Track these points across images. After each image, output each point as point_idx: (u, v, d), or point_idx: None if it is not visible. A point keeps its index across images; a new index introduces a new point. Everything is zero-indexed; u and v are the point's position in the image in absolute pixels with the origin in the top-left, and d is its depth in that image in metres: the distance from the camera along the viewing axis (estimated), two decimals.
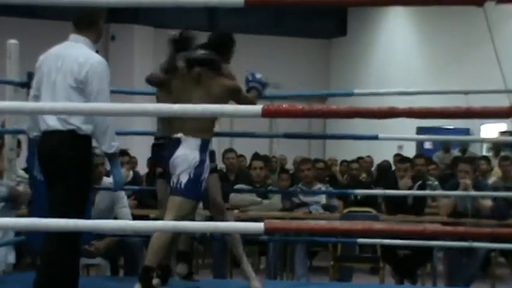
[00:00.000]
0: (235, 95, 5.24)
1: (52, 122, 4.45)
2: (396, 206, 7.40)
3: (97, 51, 4.67)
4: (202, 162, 5.02)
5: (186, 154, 5.00)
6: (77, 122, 4.44)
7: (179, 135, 5.02)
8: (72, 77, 4.48)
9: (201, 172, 5.00)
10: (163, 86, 5.30)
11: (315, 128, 17.68)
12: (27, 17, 16.32)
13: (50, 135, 4.46)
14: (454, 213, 7.20)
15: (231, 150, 9.38)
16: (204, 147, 5.07)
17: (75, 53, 4.54)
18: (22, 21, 15.72)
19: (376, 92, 7.19)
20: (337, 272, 7.29)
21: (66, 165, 4.43)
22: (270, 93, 6.56)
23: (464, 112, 2.64)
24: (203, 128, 5.08)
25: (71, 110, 3.33)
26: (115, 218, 6.11)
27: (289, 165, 13.02)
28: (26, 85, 5.53)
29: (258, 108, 2.96)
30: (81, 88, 4.48)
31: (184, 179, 4.97)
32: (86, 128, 4.47)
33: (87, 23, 4.62)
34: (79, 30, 4.63)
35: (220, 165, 10.49)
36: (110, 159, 4.66)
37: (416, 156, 9.04)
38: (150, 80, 5.41)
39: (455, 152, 11.75)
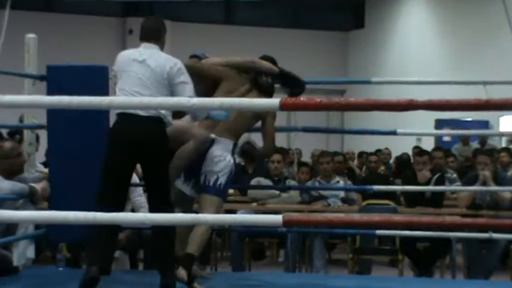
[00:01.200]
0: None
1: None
2: (415, 198, 7.37)
3: None
4: (234, 165, 5.17)
5: (224, 156, 5.10)
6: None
7: (212, 135, 5.06)
8: (158, 73, 4.71)
9: (233, 176, 5.17)
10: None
11: (333, 120, 17.64)
12: (44, 10, 16.42)
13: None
14: (473, 206, 7.17)
15: (249, 143, 9.37)
16: (234, 151, 5.20)
17: (155, 53, 4.82)
18: (40, 15, 15.81)
19: (394, 80, 7.15)
20: (356, 264, 7.29)
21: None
22: None
23: (484, 104, 2.62)
24: (236, 131, 5.19)
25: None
26: (131, 208, 6.12)
27: (305, 158, 13.01)
28: (44, 78, 5.57)
29: (276, 101, 2.96)
30: (166, 83, 4.72)
31: (223, 180, 5.07)
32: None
33: (156, 35, 4.90)
34: (149, 41, 4.88)
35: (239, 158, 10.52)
36: None
37: (434, 149, 9.00)
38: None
39: (475, 144, 11.69)
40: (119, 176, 4.73)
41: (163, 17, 5.10)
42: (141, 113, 4.62)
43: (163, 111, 4.67)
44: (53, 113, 5.36)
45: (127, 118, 4.63)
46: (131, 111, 4.61)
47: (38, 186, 5.31)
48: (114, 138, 4.71)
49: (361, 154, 11.86)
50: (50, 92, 5.33)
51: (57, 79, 5.37)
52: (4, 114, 7.66)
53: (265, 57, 5.57)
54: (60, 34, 15.60)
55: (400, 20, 17.47)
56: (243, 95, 5.18)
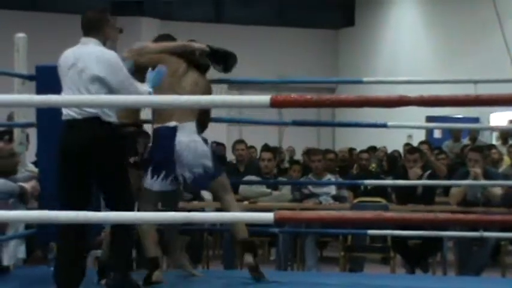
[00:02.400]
0: None
1: None
2: (406, 195, 7.39)
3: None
4: (206, 141, 5.16)
5: (193, 138, 5.08)
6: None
7: (173, 123, 5.03)
8: (90, 72, 4.58)
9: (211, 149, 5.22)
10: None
11: (324, 119, 17.68)
12: (33, 9, 16.37)
13: None
14: (464, 202, 7.19)
15: (241, 141, 9.39)
16: (198, 129, 5.16)
17: (89, 50, 4.67)
18: (28, 14, 15.75)
19: (385, 80, 7.16)
20: (348, 262, 7.31)
21: None
22: (279, 81, 6.50)
23: (474, 100, 2.63)
24: (192, 110, 5.11)
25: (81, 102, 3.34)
26: None
27: (298, 156, 13.04)
28: (33, 78, 5.55)
29: (266, 98, 2.96)
30: (100, 81, 4.58)
31: (210, 163, 5.08)
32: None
33: (94, 28, 4.75)
34: (87, 35, 4.76)
35: (230, 156, 10.53)
36: None
37: (420, 143, 9.06)
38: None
39: (465, 141, 11.73)
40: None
41: (152, 15, 5.07)
42: (76, 115, 4.52)
43: (101, 110, 4.53)
44: (42, 112, 5.35)
45: (66, 124, 4.57)
46: (68, 117, 4.54)
47: (28, 186, 5.30)
48: (59, 149, 4.64)
49: (350, 150, 11.84)
50: (39, 91, 5.32)
51: (45, 79, 5.36)
52: None
53: (164, 36, 5.53)
54: (49, 33, 15.53)
55: (391, 18, 17.50)
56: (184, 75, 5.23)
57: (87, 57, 4.61)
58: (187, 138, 5.05)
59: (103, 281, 4.92)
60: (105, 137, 4.56)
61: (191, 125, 5.10)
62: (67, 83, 4.62)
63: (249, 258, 5.12)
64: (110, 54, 4.66)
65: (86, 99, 3.31)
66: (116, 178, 4.64)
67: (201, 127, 5.34)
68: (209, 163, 5.09)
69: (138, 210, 5.02)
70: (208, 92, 5.39)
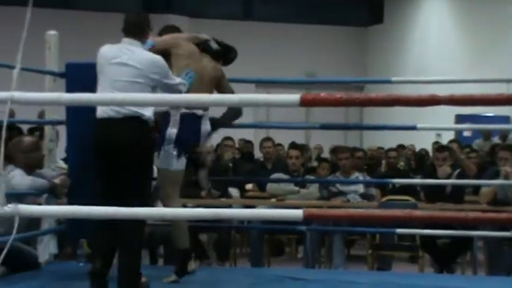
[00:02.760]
0: None
1: None
2: (435, 194, 7.34)
3: None
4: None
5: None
6: None
7: (200, 112, 5.15)
8: (134, 72, 4.66)
9: None
10: None
11: (351, 116, 17.62)
12: (65, 8, 16.50)
13: None
14: (494, 202, 7.13)
15: (268, 139, 9.39)
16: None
17: (136, 51, 4.76)
18: (60, 12, 15.89)
19: (415, 79, 7.09)
20: (376, 260, 7.28)
21: None
22: (306, 80, 6.51)
23: (506, 99, 2.61)
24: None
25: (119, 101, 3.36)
26: None
27: (326, 154, 13.00)
28: (64, 76, 5.60)
29: (296, 97, 2.95)
30: (143, 82, 4.68)
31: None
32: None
33: (137, 30, 4.84)
34: (129, 36, 4.83)
35: (258, 154, 10.54)
36: None
37: (450, 141, 8.99)
38: None
39: (496, 140, 11.62)
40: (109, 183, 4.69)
41: (181, 13, 5.11)
42: (115, 114, 4.58)
43: (141, 110, 4.61)
44: (72, 110, 5.39)
45: (103, 123, 4.62)
46: (105, 115, 4.60)
47: (57, 180, 5.34)
48: (94, 146, 4.71)
49: (379, 149, 11.81)
50: (69, 89, 5.36)
51: (76, 76, 5.39)
52: (23, 110, 7.69)
53: (169, 27, 5.63)
54: (80, 31, 15.67)
55: (420, 15, 17.38)
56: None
57: (134, 57, 4.71)
58: (208, 127, 5.26)
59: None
60: (142, 136, 4.64)
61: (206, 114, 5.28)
62: (108, 76, 4.68)
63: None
64: (159, 58, 4.80)
65: (117, 97, 3.33)
66: (144, 178, 4.71)
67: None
68: None
69: (166, 193, 5.10)
70: (216, 81, 5.44)
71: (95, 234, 4.76)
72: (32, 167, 5.32)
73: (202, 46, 5.44)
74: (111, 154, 4.60)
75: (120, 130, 4.59)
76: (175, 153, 5.15)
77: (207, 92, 5.21)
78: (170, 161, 5.14)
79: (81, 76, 5.28)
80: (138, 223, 4.55)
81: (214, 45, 5.48)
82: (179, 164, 5.17)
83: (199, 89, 5.06)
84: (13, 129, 9.09)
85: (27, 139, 5.37)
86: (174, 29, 5.57)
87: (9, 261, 4.54)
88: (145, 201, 4.56)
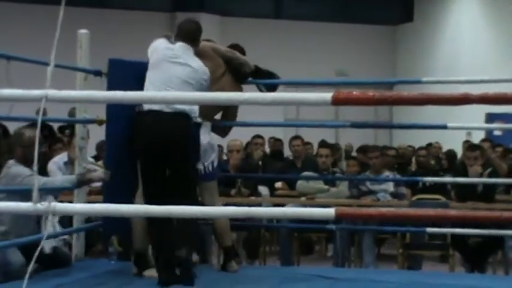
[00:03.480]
0: None
1: None
2: (466, 193, 7.28)
3: None
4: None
5: (212, 138, 5.35)
6: None
7: (199, 119, 5.15)
8: (191, 74, 4.87)
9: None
10: None
11: (381, 115, 17.52)
12: (96, 6, 16.60)
13: None
14: None
15: (297, 137, 9.37)
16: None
17: (193, 57, 5.00)
18: (92, 11, 15.98)
19: (445, 80, 7.01)
20: (406, 259, 7.23)
21: None
22: (335, 82, 6.50)
23: None
24: (212, 111, 5.35)
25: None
26: None
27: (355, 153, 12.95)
28: (98, 73, 5.63)
29: (327, 95, 2.93)
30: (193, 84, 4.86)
31: (215, 163, 5.32)
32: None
33: (192, 38, 5.08)
34: (186, 42, 5.04)
35: (287, 152, 10.52)
36: None
37: (482, 140, 8.90)
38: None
39: None
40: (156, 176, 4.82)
41: (212, 12, 5.18)
42: (166, 109, 4.72)
43: (189, 107, 4.77)
44: (111, 107, 5.40)
45: (152, 114, 4.72)
46: (157, 107, 4.72)
47: (96, 174, 5.36)
48: (141, 136, 4.81)
49: (409, 148, 11.74)
50: (110, 84, 5.39)
51: (118, 72, 5.41)
52: (54, 107, 7.74)
53: (235, 46, 5.74)
54: (111, 29, 15.75)
55: (451, 13, 17.23)
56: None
57: (190, 60, 4.94)
58: (206, 137, 5.26)
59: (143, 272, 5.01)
60: (189, 132, 4.82)
61: (209, 125, 5.34)
62: (165, 72, 4.84)
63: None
64: (208, 70, 5.01)
65: (148, 95, 3.34)
66: (192, 174, 4.89)
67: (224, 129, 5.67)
68: (215, 163, 5.36)
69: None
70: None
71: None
72: (29, 161, 5.21)
73: (236, 67, 5.52)
74: (161, 148, 4.75)
75: (171, 125, 4.74)
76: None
77: (212, 113, 5.37)
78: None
79: (124, 72, 5.32)
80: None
81: (244, 71, 5.57)
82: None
83: (205, 108, 5.13)
84: (44, 127, 9.18)
85: (28, 133, 5.31)
86: (239, 49, 5.68)
87: (42, 259, 4.57)
88: (195, 198, 4.76)
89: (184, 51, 4.95)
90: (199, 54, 5.17)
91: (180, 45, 4.99)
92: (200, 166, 5.23)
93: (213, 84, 5.20)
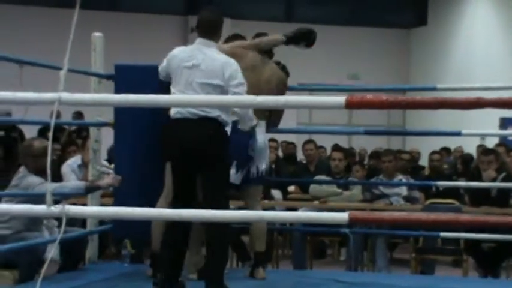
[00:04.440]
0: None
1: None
2: (480, 197, 7.26)
3: None
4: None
5: (266, 138, 5.27)
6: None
7: (254, 122, 5.09)
8: (206, 75, 4.64)
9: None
10: None
11: (394, 119, 17.49)
12: (111, 9, 16.67)
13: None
14: None
15: (310, 141, 9.37)
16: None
17: (213, 56, 4.71)
18: (106, 14, 16.04)
19: (460, 87, 6.96)
20: (419, 264, 7.21)
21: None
22: (349, 86, 6.51)
23: None
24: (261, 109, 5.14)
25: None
26: None
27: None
28: (110, 77, 5.65)
29: (341, 99, 2.94)
30: (221, 85, 4.65)
31: (265, 165, 5.25)
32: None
33: (213, 30, 4.78)
34: (205, 37, 4.77)
35: (300, 156, 10.51)
36: None
37: (497, 145, 8.87)
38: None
39: None
40: (183, 181, 4.72)
41: (223, 15, 5.05)
42: (191, 116, 4.57)
43: (219, 113, 4.59)
44: (120, 111, 5.43)
45: (180, 122, 4.61)
46: (180, 115, 4.59)
47: (108, 179, 5.35)
48: (169, 142, 4.70)
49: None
50: (117, 90, 5.41)
51: (124, 78, 5.44)
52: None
53: (234, 36, 5.59)
54: (126, 33, 15.80)
55: (466, 17, 17.16)
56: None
57: (206, 59, 4.66)
58: (262, 136, 5.18)
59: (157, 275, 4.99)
60: (219, 137, 4.64)
61: (264, 124, 5.23)
62: (182, 79, 4.65)
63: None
64: (232, 62, 4.72)
65: (162, 99, 3.34)
66: (223, 180, 4.73)
67: (272, 126, 5.45)
68: (265, 165, 5.31)
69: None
70: (283, 80, 5.44)
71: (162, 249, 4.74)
72: (41, 171, 5.25)
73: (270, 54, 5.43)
74: (188, 156, 4.61)
75: (197, 131, 4.56)
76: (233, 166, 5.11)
77: (263, 111, 5.19)
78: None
79: (130, 77, 5.34)
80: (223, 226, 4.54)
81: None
82: (235, 178, 5.14)
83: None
84: (57, 130, 9.23)
85: (37, 144, 5.34)
86: (240, 38, 5.55)
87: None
88: (226, 204, 4.62)
89: (203, 50, 4.70)
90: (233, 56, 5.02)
91: (197, 42, 4.76)
92: (253, 169, 5.15)
93: (258, 77, 5.16)
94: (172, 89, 4.69)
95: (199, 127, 4.57)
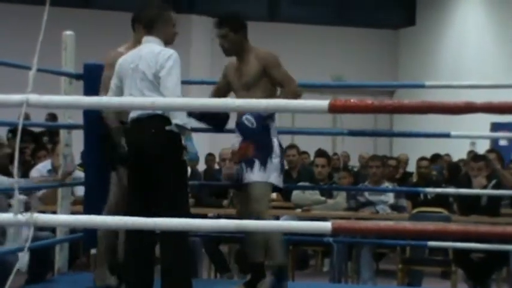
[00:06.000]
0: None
1: None
2: (469, 206, 7.29)
3: None
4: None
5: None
6: None
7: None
8: (149, 72, 4.62)
9: None
10: None
11: (381, 123, 17.52)
12: (81, 7, 16.60)
13: None
14: None
15: (293, 146, 9.38)
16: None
17: (149, 49, 4.71)
18: (77, 12, 15.98)
19: (449, 84, 7.02)
20: (406, 275, 7.23)
21: None
22: (336, 84, 6.47)
23: None
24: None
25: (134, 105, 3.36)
26: None
27: (353, 163, 12.94)
28: (81, 77, 5.63)
29: (324, 103, 2.93)
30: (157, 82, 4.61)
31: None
32: None
33: (152, 26, 4.79)
34: (148, 33, 4.80)
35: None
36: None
37: (488, 151, 8.91)
38: None
39: None
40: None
41: (203, 13, 5.06)
42: (136, 116, 4.59)
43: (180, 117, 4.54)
44: (90, 113, 5.40)
45: (132, 124, 4.63)
46: (134, 115, 4.62)
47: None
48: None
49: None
50: (87, 90, 5.38)
51: (94, 77, 5.41)
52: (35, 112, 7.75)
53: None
54: (97, 31, 15.75)
55: (455, 17, 17.27)
56: None
57: (146, 57, 4.65)
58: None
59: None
60: (161, 136, 4.58)
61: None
62: (128, 86, 4.67)
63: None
64: (165, 52, 4.67)
65: (137, 101, 3.33)
66: (176, 187, 4.65)
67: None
68: None
69: (259, 210, 4.96)
70: (266, 73, 5.28)
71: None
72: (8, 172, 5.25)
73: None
74: (137, 160, 4.62)
75: (145, 132, 4.57)
76: (280, 166, 5.08)
77: (267, 92, 5.06)
78: (273, 174, 5.04)
79: (99, 77, 5.31)
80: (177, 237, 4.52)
81: None
82: (279, 179, 5.10)
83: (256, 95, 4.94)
84: (26, 133, 9.17)
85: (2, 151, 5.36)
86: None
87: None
88: (183, 212, 4.49)
89: (141, 48, 4.74)
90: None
91: (144, 40, 4.79)
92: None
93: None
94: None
95: (141, 128, 4.58)
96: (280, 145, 5.17)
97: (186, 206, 4.75)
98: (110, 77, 4.82)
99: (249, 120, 5.04)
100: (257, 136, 5.04)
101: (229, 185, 6.14)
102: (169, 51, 4.67)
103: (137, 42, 4.94)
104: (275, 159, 5.05)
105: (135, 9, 5.08)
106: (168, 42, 4.84)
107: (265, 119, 5.06)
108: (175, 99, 3.68)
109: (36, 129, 10.26)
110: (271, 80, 5.12)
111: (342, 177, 8.59)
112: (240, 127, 5.09)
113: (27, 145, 8.78)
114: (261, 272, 5.12)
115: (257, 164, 4.99)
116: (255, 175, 4.99)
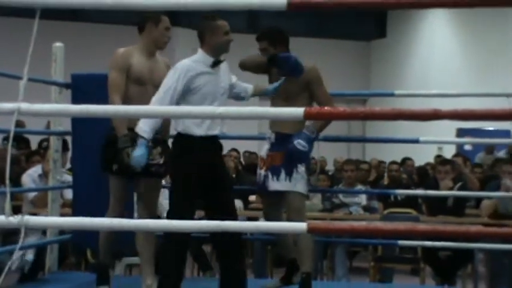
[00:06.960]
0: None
1: None
2: (437, 207, 7.33)
3: None
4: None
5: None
6: None
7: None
8: None
9: None
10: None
11: (354, 129, 17.57)
12: (71, 20, 16.54)
13: None
14: (496, 215, 7.11)
15: None
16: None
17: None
18: (66, 24, 15.91)
19: (417, 93, 7.08)
20: (378, 272, 7.25)
21: None
22: None
23: (510, 114, 2.60)
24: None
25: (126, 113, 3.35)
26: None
27: (329, 167, 12.96)
28: (69, 86, 5.61)
29: (300, 110, 2.94)
30: None
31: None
32: None
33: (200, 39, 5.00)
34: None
35: None
36: None
37: (454, 155, 8.98)
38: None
39: (501, 154, 11.63)
40: None
41: (188, 26, 5.08)
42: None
43: (182, 126, 4.62)
44: (78, 121, 5.39)
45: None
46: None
47: None
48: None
49: (380, 164, 11.82)
50: (74, 100, 5.37)
51: (81, 87, 5.41)
52: (32, 121, 7.72)
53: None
54: (87, 43, 15.70)
55: (424, 30, 17.37)
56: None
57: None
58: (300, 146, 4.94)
59: None
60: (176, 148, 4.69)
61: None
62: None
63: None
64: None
65: (122, 109, 3.32)
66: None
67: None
68: None
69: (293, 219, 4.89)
70: (307, 88, 5.24)
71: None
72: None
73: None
74: None
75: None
76: (306, 172, 5.00)
77: (297, 105, 4.72)
78: (299, 183, 4.94)
79: (86, 86, 5.30)
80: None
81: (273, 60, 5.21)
82: (306, 187, 5.02)
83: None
84: (21, 141, 9.11)
85: None
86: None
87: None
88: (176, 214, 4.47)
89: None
90: None
91: None
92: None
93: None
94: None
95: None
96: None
97: (180, 209, 4.63)
98: (121, 78, 4.76)
99: (301, 145, 4.85)
100: (307, 155, 4.94)
101: (254, 189, 6.13)
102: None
103: (150, 42, 5.02)
104: (301, 168, 4.94)
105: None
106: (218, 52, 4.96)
107: (315, 139, 4.93)
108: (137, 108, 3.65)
109: (37, 137, 10.20)
110: (310, 95, 5.03)
111: (321, 180, 8.60)
112: (293, 152, 4.88)
113: (24, 152, 8.72)
114: (294, 266, 5.13)
115: (283, 173, 4.93)
116: (280, 184, 4.94)
